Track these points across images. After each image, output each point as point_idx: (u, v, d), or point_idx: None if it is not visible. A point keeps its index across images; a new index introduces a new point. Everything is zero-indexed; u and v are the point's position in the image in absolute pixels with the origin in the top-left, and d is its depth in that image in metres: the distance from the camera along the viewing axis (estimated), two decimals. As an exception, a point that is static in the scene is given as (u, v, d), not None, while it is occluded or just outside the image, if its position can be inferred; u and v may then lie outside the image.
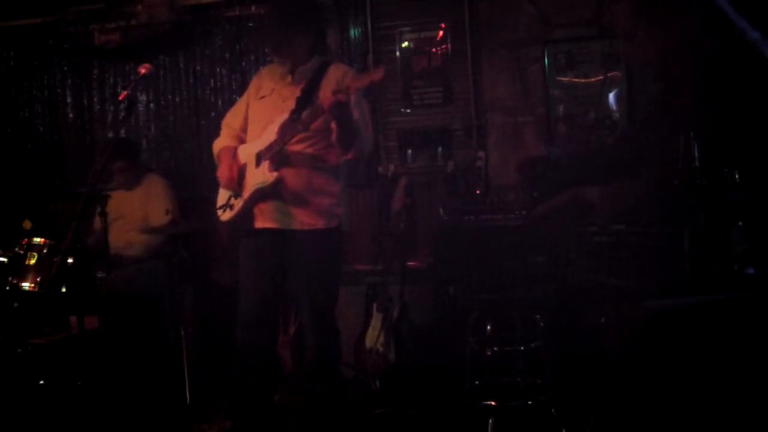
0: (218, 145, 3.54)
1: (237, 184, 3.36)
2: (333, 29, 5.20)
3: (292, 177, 3.28)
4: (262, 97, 3.42)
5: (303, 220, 3.32)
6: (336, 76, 3.35)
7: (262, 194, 3.31)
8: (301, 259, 3.34)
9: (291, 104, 3.32)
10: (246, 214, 3.36)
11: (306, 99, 3.30)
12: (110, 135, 5.54)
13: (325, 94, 3.23)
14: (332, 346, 3.44)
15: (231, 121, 3.55)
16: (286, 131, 3.24)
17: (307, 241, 3.33)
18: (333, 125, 3.19)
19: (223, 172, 3.40)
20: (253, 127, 3.43)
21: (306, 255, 3.33)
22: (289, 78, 3.39)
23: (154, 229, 4.53)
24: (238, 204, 3.35)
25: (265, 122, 3.35)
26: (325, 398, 3.40)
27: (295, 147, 3.26)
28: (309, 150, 3.30)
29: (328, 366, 3.41)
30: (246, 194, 3.33)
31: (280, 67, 3.43)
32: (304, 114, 3.22)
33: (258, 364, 3.39)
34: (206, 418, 4.00)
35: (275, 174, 3.26)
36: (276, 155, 3.26)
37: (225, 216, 3.40)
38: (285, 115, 3.29)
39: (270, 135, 3.29)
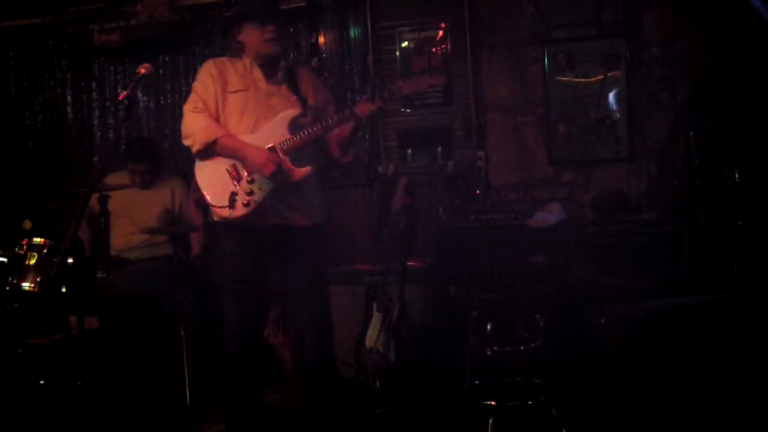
0: (210, 132, 3.31)
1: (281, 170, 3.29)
2: (333, 29, 5.21)
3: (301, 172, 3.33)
4: (236, 91, 3.37)
5: (307, 214, 3.37)
6: (311, 78, 3.55)
7: (284, 189, 3.31)
8: (302, 255, 3.36)
9: (280, 102, 3.36)
10: (262, 210, 3.30)
11: (302, 98, 3.37)
12: (111, 135, 5.57)
13: (309, 93, 3.39)
14: (331, 345, 3.45)
15: (204, 107, 3.37)
16: (306, 128, 3.27)
17: (307, 237, 3.36)
18: (345, 128, 3.30)
19: (269, 162, 3.25)
20: (235, 120, 3.35)
21: (307, 251, 3.36)
22: (259, 74, 3.40)
23: (155, 229, 4.53)
24: (255, 199, 3.28)
25: (252, 117, 3.34)
26: (327, 397, 3.41)
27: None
28: (310, 146, 3.36)
29: (328, 364, 3.42)
30: (265, 188, 3.28)
31: (245, 63, 3.42)
32: (337, 115, 3.30)
33: (252, 364, 3.40)
34: (206, 418, 4.00)
35: (308, 168, 3.29)
36: (296, 151, 3.29)
37: (237, 212, 3.27)
38: (294, 111, 3.32)
39: (278, 130, 3.29)
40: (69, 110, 5.63)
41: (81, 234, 4.62)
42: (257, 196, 3.28)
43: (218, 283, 3.47)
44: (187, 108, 3.38)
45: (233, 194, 3.27)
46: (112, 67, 5.55)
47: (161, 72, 5.43)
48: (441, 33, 5.04)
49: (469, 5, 4.96)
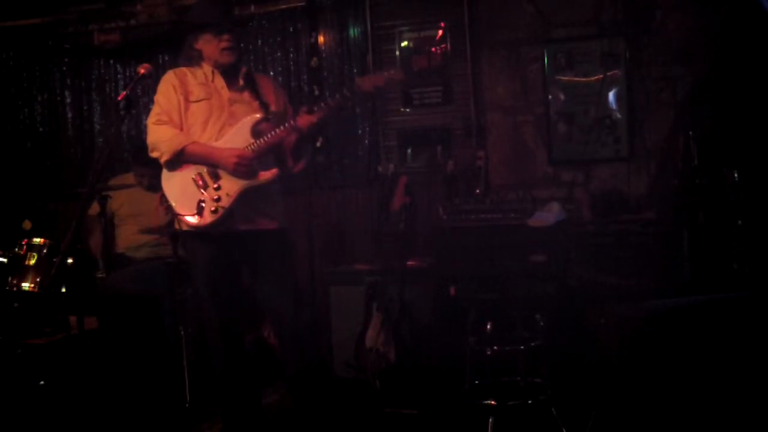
0: (177, 141, 3.31)
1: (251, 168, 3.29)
2: (333, 29, 5.21)
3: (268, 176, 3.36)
4: (198, 100, 3.38)
5: (277, 219, 3.41)
6: (272, 85, 3.59)
7: (251, 193, 3.32)
8: (280, 258, 3.40)
9: (243, 108, 3.38)
10: (230, 216, 3.30)
11: (264, 104, 3.39)
12: (110, 135, 5.56)
13: (271, 98, 3.42)
14: (313, 344, 3.47)
15: (168, 119, 3.38)
16: (271, 131, 3.30)
17: (277, 241, 3.40)
18: (293, 137, 3.33)
19: (240, 160, 3.26)
20: (199, 129, 3.36)
21: (283, 254, 3.40)
22: (221, 82, 3.41)
23: (154, 229, 4.53)
24: (223, 205, 3.28)
25: (217, 125, 3.36)
26: (324, 399, 3.42)
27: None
28: (271, 152, 3.39)
29: (321, 365, 3.44)
30: (233, 194, 3.29)
31: (204, 71, 3.44)
32: (307, 114, 3.30)
33: (242, 368, 3.43)
34: (206, 418, 4.01)
35: (273, 170, 3.31)
36: (264, 155, 3.32)
37: (205, 220, 3.28)
38: (255, 116, 3.34)
39: (241, 135, 3.31)
40: (69, 110, 5.63)
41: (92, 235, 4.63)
42: (225, 202, 3.28)
43: (197, 293, 3.48)
44: (151, 121, 3.38)
45: (200, 202, 3.28)
46: (112, 67, 5.55)
47: (161, 72, 5.42)
48: (441, 33, 5.03)
49: (469, 5, 4.96)
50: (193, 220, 3.29)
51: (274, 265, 3.39)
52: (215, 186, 3.29)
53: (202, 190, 3.30)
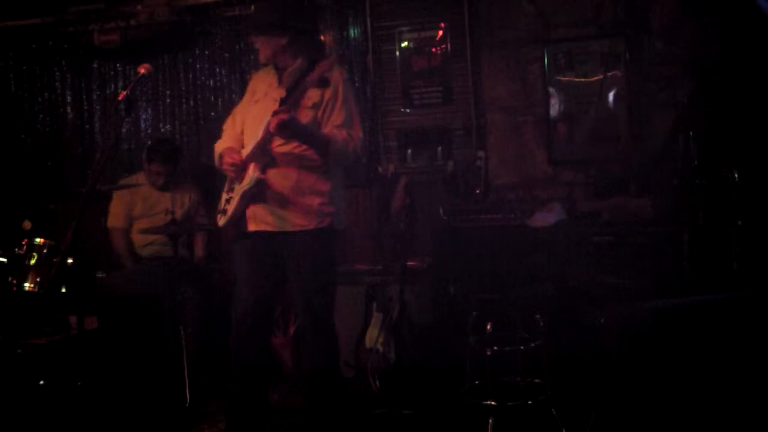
0: (220, 146, 3.50)
1: (241, 170, 3.33)
2: (333, 29, 5.21)
3: (281, 178, 3.30)
4: (257, 101, 3.42)
5: (294, 221, 3.33)
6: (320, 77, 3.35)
7: (251, 196, 3.31)
8: (295, 260, 3.36)
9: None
10: (238, 218, 3.36)
11: (288, 100, 3.29)
12: (111, 135, 5.57)
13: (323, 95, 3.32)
14: (330, 347, 3.44)
15: (231, 124, 3.55)
16: (266, 133, 3.28)
17: (300, 242, 3.33)
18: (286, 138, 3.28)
19: (225, 164, 3.35)
20: (249, 131, 3.41)
21: (300, 256, 3.34)
22: (275, 80, 3.42)
23: (154, 229, 4.53)
24: (229, 207, 3.36)
25: (260, 124, 3.34)
26: (325, 399, 3.41)
27: (283, 148, 3.28)
28: (296, 150, 3.30)
29: (326, 367, 3.41)
30: (236, 197, 3.34)
31: (272, 69, 3.46)
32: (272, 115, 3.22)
33: (256, 365, 3.41)
34: (206, 418, 4.01)
35: (257, 175, 3.28)
36: (260, 156, 3.29)
37: (221, 221, 3.43)
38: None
39: (258, 133, 3.30)
40: (69, 110, 5.63)
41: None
42: (231, 205, 3.36)
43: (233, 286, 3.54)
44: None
45: (225, 203, 3.42)
46: (112, 68, 5.55)
47: (161, 72, 5.43)
48: (441, 33, 5.04)
49: (469, 5, 4.96)
50: (219, 218, 3.45)
51: (295, 266, 3.37)
52: (233, 188, 3.40)
53: (227, 192, 3.44)
